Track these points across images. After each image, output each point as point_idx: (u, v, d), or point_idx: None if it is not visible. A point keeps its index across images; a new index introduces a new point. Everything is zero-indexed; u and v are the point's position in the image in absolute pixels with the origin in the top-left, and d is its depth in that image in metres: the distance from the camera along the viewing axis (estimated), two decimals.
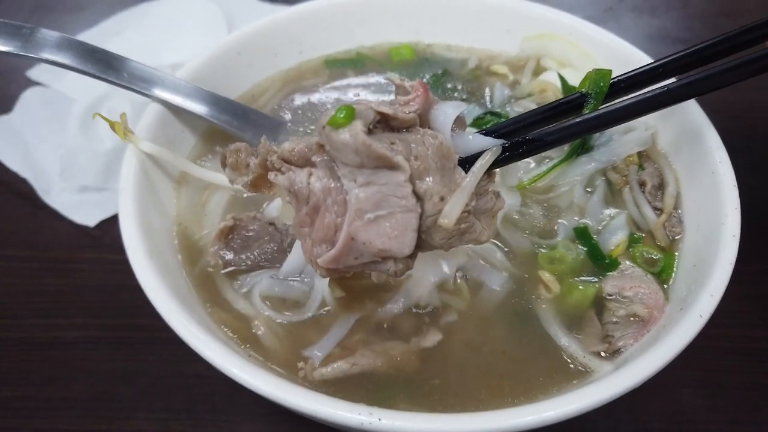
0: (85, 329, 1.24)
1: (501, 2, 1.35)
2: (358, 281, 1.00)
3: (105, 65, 1.09)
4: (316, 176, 0.76)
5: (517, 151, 0.85)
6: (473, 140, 0.83)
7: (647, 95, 0.88)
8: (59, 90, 1.65)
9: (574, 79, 1.24)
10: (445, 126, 0.80)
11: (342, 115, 0.72)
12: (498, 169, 0.88)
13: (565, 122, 0.88)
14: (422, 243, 0.78)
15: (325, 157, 0.78)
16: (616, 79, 0.94)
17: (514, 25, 1.35)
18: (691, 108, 1.09)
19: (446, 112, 0.81)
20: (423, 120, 0.80)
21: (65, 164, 1.45)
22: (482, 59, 1.38)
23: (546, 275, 0.99)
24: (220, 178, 1.10)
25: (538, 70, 1.33)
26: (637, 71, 0.95)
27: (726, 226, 0.93)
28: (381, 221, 0.74)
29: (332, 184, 0.76)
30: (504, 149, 0.84)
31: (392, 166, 0.73)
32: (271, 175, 0.80)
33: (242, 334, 0.94)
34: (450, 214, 0.75)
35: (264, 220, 1.06)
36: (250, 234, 1.04)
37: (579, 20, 1.30)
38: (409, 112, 0.78)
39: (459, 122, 0.83)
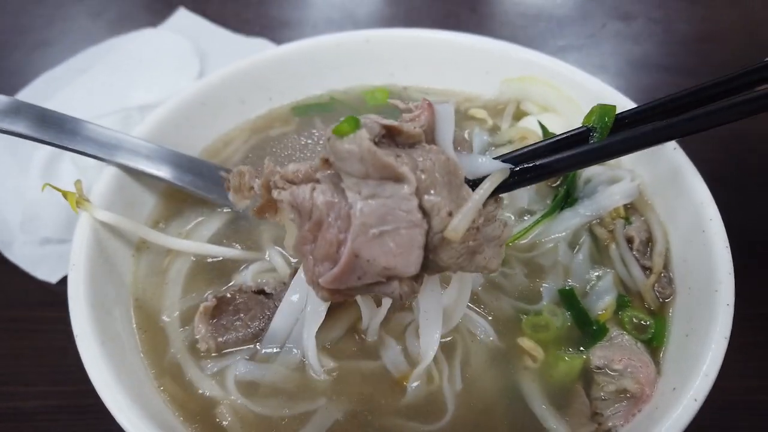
0: (45, 398, 1.16)
1: (479, 43, 1.30)
2: (350, 360, 0.94)
3: (57, 130, 1.03)
4: (319, 190, 0.75)
5: (525, 177, 0.82)
6: (481, 163, 0.80)
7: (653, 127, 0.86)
8: None
9: (557, 125, 1.18)
10: (449, 143, 0.78)
11: (347, 125, 0.72)
12: (505, 196, 0.86)
13: (572, 150, 0.86)
14: (429, 263, 0.75)
15: (330, 172, 0.76)
16: (620, 115, 0.92)
17: (492, 66, 1.30)
18: (678, 157, 1.04)
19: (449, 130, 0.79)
20: (428, 139, 0.79)
21: (26, 216, 1.37)
22: (460, 102, 1.32)
23: (527, 342, 0.93)
24: (181, 243, 1.03)
25: (518, 114, 1.27)
26: (642, 107, 0.93)
27: (720, 294, 0.87)
28: (386, 237, 0.72)
29: (336, 198, 0.74)
30: (512, 173, 0.81)
31: (398, 177, 0.72)
32: (275, 192, 0.79)
33: (205, 426, 0.87)
34: (458, 227, 0.72)
35: (251, 290, 0.99)
36: (239, 306, 0.97)
37: (560, 63, 1.24)
38: (416, 127, 0.76)
39: (464, 145, 0.82)
